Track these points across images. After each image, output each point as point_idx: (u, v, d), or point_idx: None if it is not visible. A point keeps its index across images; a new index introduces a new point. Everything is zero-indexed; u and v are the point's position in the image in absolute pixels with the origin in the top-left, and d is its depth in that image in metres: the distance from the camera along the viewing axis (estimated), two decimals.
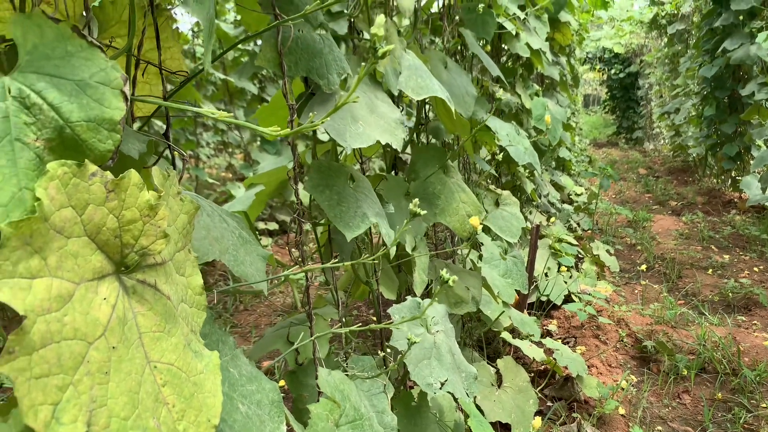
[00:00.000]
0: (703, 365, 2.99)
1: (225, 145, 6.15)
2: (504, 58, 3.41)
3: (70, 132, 0.54)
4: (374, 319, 3.00)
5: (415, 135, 1.96)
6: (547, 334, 3.11)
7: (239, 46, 4.98)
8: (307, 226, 1.51)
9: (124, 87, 0.57)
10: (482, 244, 2.05)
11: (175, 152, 0.90)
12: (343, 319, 1.40)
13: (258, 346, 1.33)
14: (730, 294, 4.02)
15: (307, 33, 1.15)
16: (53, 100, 0.53)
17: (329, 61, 1.16)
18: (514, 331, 2.68)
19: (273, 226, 5.75)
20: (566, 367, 2.54)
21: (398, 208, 1.63)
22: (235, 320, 3.56)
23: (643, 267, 4.54)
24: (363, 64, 1.35)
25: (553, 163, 5.58)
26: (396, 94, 1.38)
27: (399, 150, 1.27)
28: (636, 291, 4.25)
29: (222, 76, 4.14)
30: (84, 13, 0.84)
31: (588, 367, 2.77)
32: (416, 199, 0.97)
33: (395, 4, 1.40)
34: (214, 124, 5.43)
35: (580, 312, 2.94)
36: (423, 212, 0.94)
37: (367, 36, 1.32)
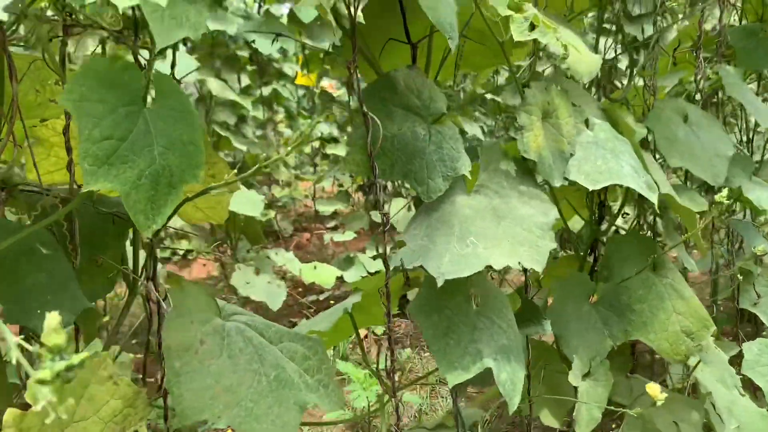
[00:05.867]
0: None
1: None
2: None
3: None
4: None
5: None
6: None
7: None
8: None
9: None
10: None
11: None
12: None
13: None
14: None
15: (408, 129, 0.93)
16: None
17: (432, 162, 0.93)
18: None
19: None
20: None
21: (576, 317, 1.29)
22: None
23: None
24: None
25: None
26: (557, 185, 1.07)
27: (540, 270, 0.97)
28: None
29: None
30: None
31: None
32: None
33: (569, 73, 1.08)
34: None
35: None
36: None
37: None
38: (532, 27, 0.94)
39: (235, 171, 0.79)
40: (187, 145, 0.64)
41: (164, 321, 0.71)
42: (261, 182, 4.21)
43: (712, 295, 1.96)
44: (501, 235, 0.95)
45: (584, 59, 1.08)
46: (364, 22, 0.99)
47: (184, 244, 3.27)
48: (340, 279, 3.16)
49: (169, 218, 0.64)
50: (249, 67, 3.62)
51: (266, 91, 3.83)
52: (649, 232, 1.56)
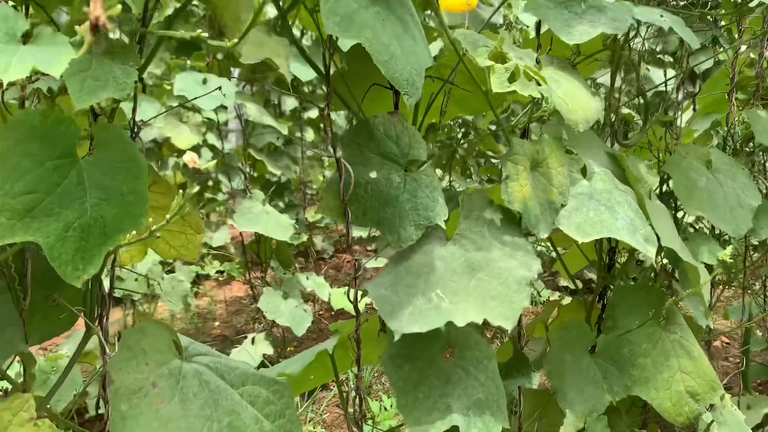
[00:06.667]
0: None
1: None
2: None
3: None
4: None
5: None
6: None
7: None
8: None
9: None
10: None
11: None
12: None
13: None
14: None
15: (383, 177, 0.92)
16: None
17: (405, 210, 0.91)
18: None
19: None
20: None
21: (574, 368, 1.24)
22: None
23: None
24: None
25: None
26: (543, 236, 1.03)
27: (509, 329, 0.93)
28: None
29: None
30: None
31: None
32: None
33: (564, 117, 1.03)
34: None
35: None
36: None
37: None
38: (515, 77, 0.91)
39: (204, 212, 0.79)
40: (126, 195, 0.65)
41: (109, 363, 0.72)
42: (307, 202, 4.27)
43: (744, 345, 1.85)
44: (472, 288, 0.92)
45: (580, 107, 1.04)
46: (346, 67, 0.99)
47: (216, 264, 3.35)
48: (370, 305, 3.15)
49: (104, 265, 0.65)
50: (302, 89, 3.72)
51: (314, 113, 3.91)
52: (666, 282, 1.49)
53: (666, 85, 1.53)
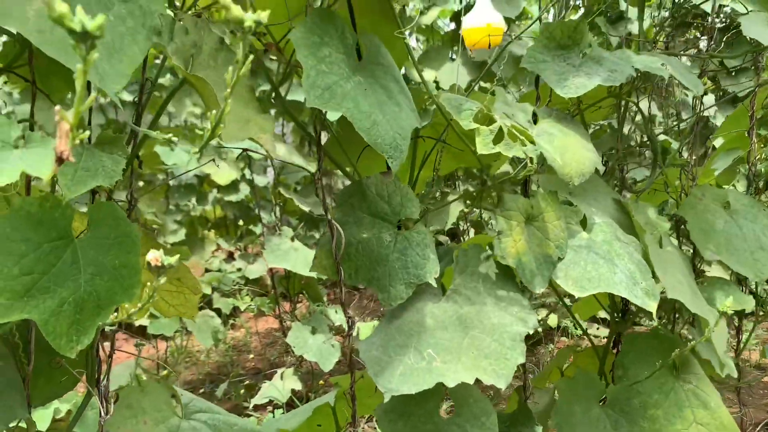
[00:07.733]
0: None
1: None
2: None
3: None
4: None
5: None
6: None
7: None
8: None
9: None
10: None
11: None
12: None
13: None
14: None
15: (374, 236, 0.95)
16: None
17: (395, 269, 0.94)
18: None
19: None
20: None
21: (584, 420, 1.22)
22: None
23: None
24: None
25: None
26: (538, 292, 1.04)
27: (502, 388, 0.93)
28: None
29: None
30: None
31: None
32: None
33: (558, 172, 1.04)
34: None
35: None
36: None
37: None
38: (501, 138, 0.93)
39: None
40: (119, 269, 0.70)
41: (106, 422, 0.76)
42: None
43: None
44: (465, 347, 0.93)
45: (574, 160, 1.05)
46: (340, 130, 1.03)
47: (247, 300, 3.41)
48: None
49: (96, 337, 0.69)
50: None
51: None
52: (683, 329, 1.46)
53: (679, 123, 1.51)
